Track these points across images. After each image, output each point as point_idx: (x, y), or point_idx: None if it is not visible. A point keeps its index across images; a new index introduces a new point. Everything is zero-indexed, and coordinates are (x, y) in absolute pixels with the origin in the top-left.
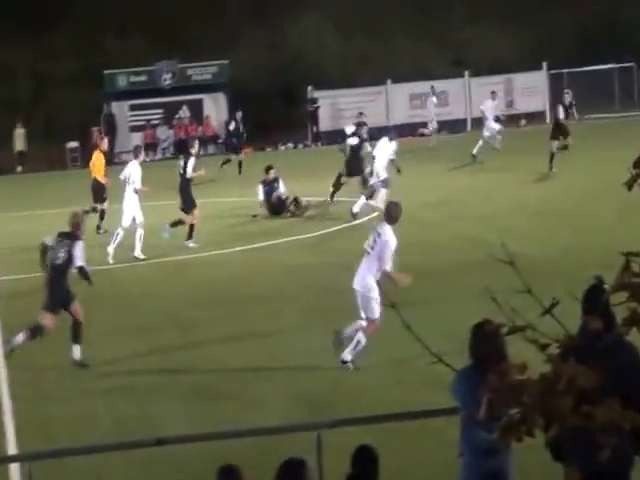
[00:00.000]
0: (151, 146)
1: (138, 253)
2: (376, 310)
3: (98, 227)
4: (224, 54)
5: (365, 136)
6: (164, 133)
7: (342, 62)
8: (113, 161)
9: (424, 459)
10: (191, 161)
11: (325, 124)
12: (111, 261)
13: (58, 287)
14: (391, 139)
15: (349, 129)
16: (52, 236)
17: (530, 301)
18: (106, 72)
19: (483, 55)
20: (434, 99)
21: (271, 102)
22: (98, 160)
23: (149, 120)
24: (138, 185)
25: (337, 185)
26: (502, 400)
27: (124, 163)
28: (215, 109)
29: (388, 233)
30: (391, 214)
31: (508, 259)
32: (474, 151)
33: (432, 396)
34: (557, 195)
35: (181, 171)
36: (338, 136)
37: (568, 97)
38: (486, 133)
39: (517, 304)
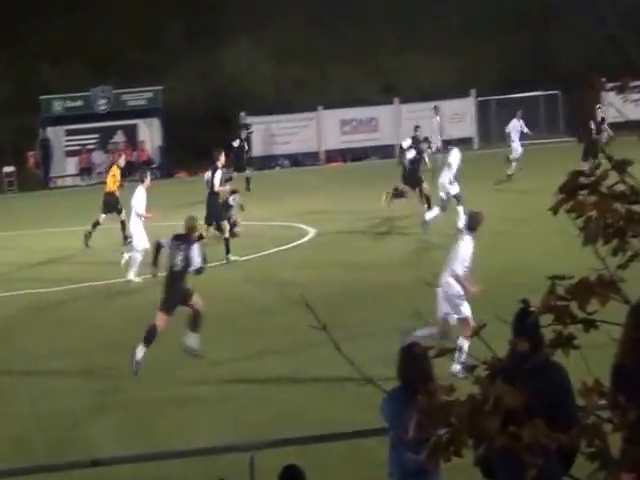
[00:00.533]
0: (86, 170)
1: (132, 276)
2: (464, 308)
3: (125, 237)
4: (159, 80)
5: (426, 150)
6: (99, 158)
7: (275, 88)
8: (48, 185)
9: (355, 479)
10: (218, 174)
11: (258, 149)
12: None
13: (176, 290)
14: (460, 149)
15: (405, 143)
16: (167, 238)
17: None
18: (42, 97)
19: (413, 82)
20: (438, 119)
21: (205, 127)
22: (113, 174)
23: (85, 145)
24: (140, 210)
25: (396, 194)
26: (430, 421)
27: (59, 188)
28: (150, 134)
29: (463, 241)
30: (472, 223)
31: (436, 282)
32: (509, 172)
33: (364, 416)
34: (486, 220)
35: (208, 184)
36: (271, 161)
37: (600, 112)
38: (512, 155)
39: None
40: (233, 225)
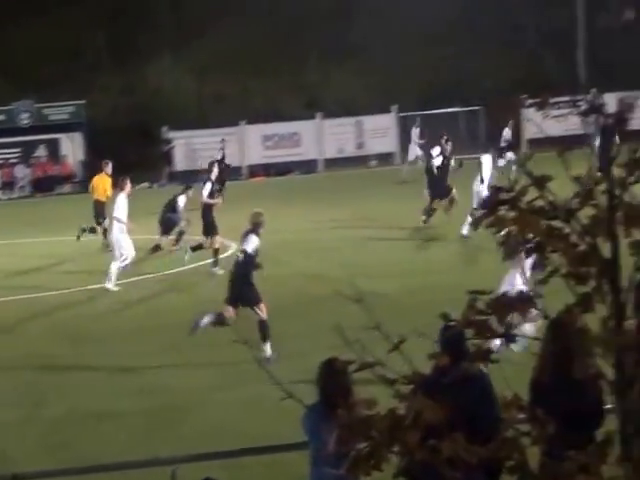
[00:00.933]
0: (8, 185)
1: (111, 285)
2: None
3: (106, 245)
4: (82, 94)
5: (449, 152)
6: (21, 172)
7: (197, 103)
8: None
9: None
10: (207, 186)
11: (180, 164)
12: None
13: (240, 283)
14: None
15: (435, 151)
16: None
17: (380, 337)
18: None
19: (335, 97)
20: (418, 130)
21: (128, 142)
22: (102, 182)
23: (7, 159)
24: (122, 218)
25: (430, 211)
26: (351, 435)
27: None
28: (72, 148)
29: None
30: None
31: (357, 296)
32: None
33: (286, 430)
34: (404, 235)
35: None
36: (190, 175)
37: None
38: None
39: (367, 340)
40: (180, 234)
